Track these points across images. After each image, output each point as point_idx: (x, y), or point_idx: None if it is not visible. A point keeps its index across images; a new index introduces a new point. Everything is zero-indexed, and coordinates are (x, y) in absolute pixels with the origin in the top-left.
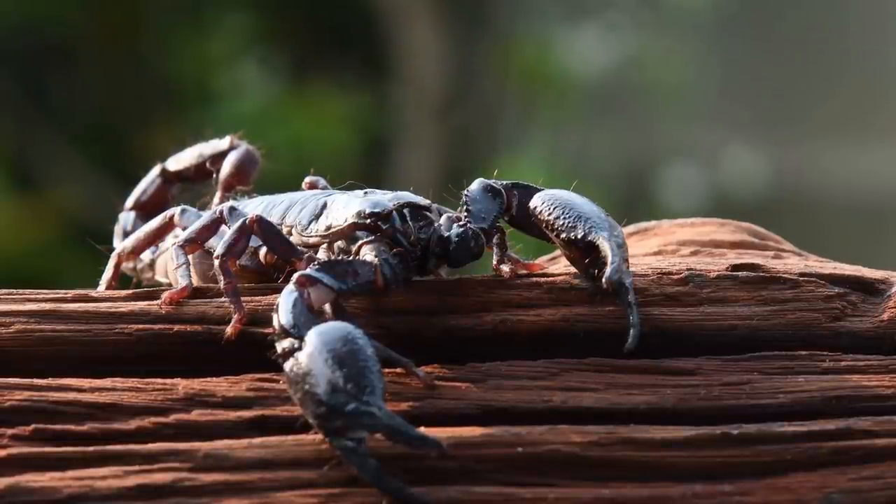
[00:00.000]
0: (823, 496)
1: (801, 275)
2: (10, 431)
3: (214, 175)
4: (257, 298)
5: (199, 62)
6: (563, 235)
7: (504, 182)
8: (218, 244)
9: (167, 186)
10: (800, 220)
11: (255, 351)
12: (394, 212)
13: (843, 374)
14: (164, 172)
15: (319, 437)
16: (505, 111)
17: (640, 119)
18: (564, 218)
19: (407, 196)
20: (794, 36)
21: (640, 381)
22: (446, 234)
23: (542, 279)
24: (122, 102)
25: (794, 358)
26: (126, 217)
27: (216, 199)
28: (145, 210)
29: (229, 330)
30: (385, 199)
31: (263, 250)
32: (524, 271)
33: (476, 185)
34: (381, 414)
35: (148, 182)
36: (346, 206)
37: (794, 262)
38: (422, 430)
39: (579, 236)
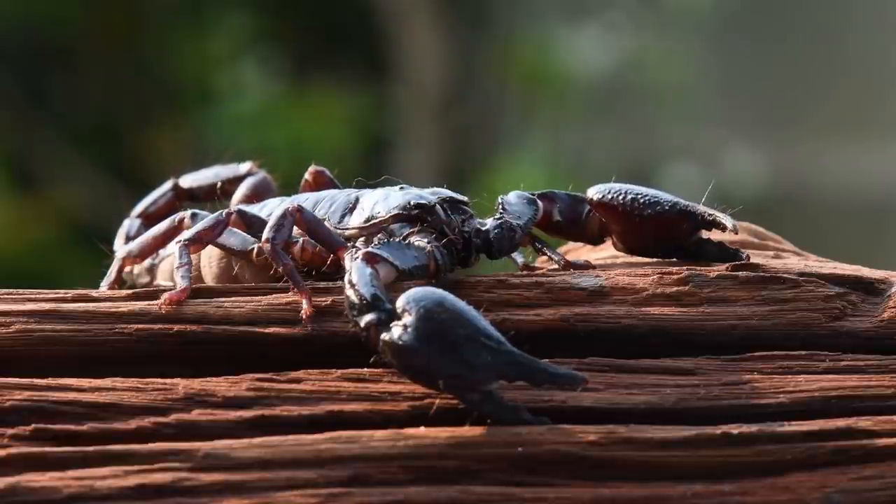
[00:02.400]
0: (823, 496)
1: (801, 275)
2: (10, 431)
3: (218, 194)
4: (257, 298)
5: (199, 62)
6: (650, 210)
7: (535, 192)
8: (236, 241)
9: (177, 201)
10: (800, 220)
11: (255, 351)
12: (437, 205)
13: (843, 374)
14: (176, 187)
15: (319, 436)
16: (505, 111)
17: (640, 119)
18: (643, 197)
19: (446, 191)
20: (794, 36)
21: (640, 381)
22: (485, 227)
23: (542, 279)
24: (122, 102)
25: (794, 358)
26: (131, 224)
27: None
28: (151, 220)
29: (306, 310)
30: (425, 193)
31: (297, 246)
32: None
33: (511, 193)
34: (521, 357)
35: (159, 194)
36: (386, 199)
37: (794, 262)
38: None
39: (669, 207)
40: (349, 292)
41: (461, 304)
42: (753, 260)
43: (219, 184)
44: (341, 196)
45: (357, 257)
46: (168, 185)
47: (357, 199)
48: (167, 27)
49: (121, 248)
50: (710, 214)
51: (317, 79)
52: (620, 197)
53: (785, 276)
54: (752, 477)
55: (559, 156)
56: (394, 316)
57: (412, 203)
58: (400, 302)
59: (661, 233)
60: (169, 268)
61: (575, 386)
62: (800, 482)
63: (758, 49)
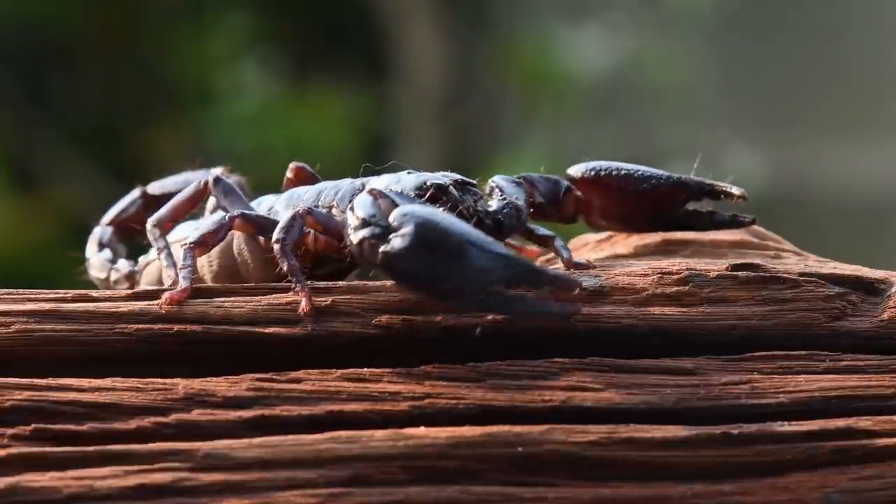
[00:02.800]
0: (823, 496)
1: (801, 275)
2: (10, 431)
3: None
4: (257, 298)
5: (199, 62)
6: (645, 185)
7: (514, 176)
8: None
9: (146, 209)
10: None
11: (255, 351)
12: (451, 186)
13: (843, 374)
14: (145, 195)
15: (319, 436)
16: (505, 111)
17: (640, 119)
18: (637, 172)
19: (455, 174)
20: (794, 36)
21: (640, 381)
22: (492, 208)
23: None
24: (122, 102)
25: (794, 358)
26: (102, 231)
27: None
28: (120, 228)
29: (305, 307)
30: (437, 175)
31: (310, 237)
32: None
33: (496, 177)
34: (521, 259)
35: (129, 202)
36: (399, 182)
37: (794, 262)
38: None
39: (664, 179)
40: (349, 219)
41: (452, 216)
42: (753, 260)
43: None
44: (346, 184)
45: (365, 190)
46: (136, 192)
47: (363, 186)
48: (167, 27)
49: (150, 217)
50: (713, 184)
51: (317, 79)
52: (614, 173)
53: (785, 276)
54: (752, 477)
55: (559, 156)
56: (390, 230)
57: (428, 183)
58: (393, 216)
59: (654, 206)
60: (156, 272)
61: (571, 289)
62: (800, 482)
63: (758, 49)
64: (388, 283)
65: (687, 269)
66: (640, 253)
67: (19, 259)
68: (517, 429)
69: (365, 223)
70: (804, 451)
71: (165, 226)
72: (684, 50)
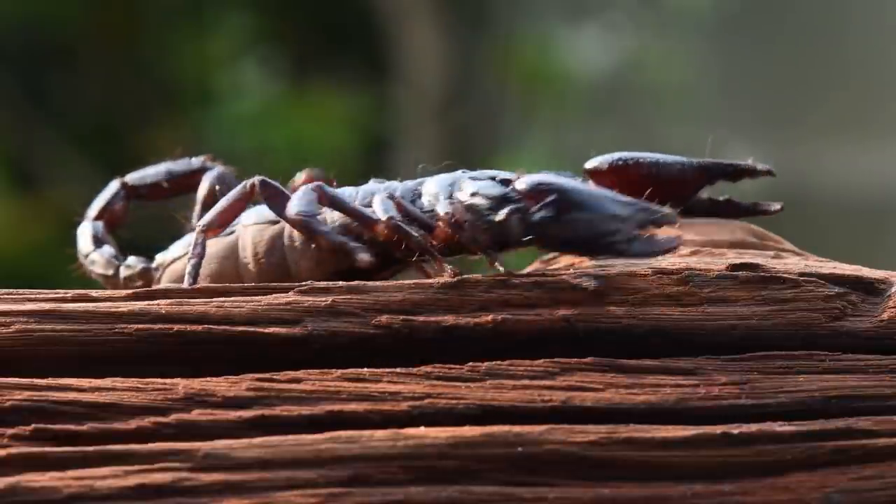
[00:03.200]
0: (823, 496)
1: (801, 275)
2: (10, 431)
3: (168, 189)
4: (257, 298)
5: (199, 62)
6: (672, 170)
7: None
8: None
9: (128, 200)
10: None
11: (255, 351)
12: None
13: (843, 374)
14: (125, 186)
15: (319, 436)
16: (505, 111)
17: (640, 119)
18: (661, 158)
19: (507, 173)
20: (794, 36)
21: (640, 381)
22: None
23: (542, 279)
24: (122, 102)
25: (794, 358)
26: (95, 226)
27: (195, 215)
28: (108, 223)
29: (365, 259)
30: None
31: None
32: None
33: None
34: (645, 203)
35: (111, 195)
36: (474, 179)
37: (794, 262)
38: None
39: (687, 164)
40: (475, 200)
41: (568, 178)
42: (753, 260)
43: (165, 183)
44: (395, 186)
45: (464, 177)
46: (116, 185)
47: (420, 187)
48: (167, 27)
49: (200, 219)
50: (736, 164)
51: (317, 79)
52: (641, 161)
53: (785, 276)
54: (752, 477)
55: (559, 156)
56: (527, 200)
57: (499, 179)
58: (521, 187)
59: (681, 192)
60: (182, 270)
61: (673, 221)
62: (800, 482)
63: (758, 49)
64: (388, 283)
65: (687, 269)
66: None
67: (19, 259)
68: (517, 429)
69: (505, 199)
70: (804, 451)
71: (215, 231)
72: (684, 50)
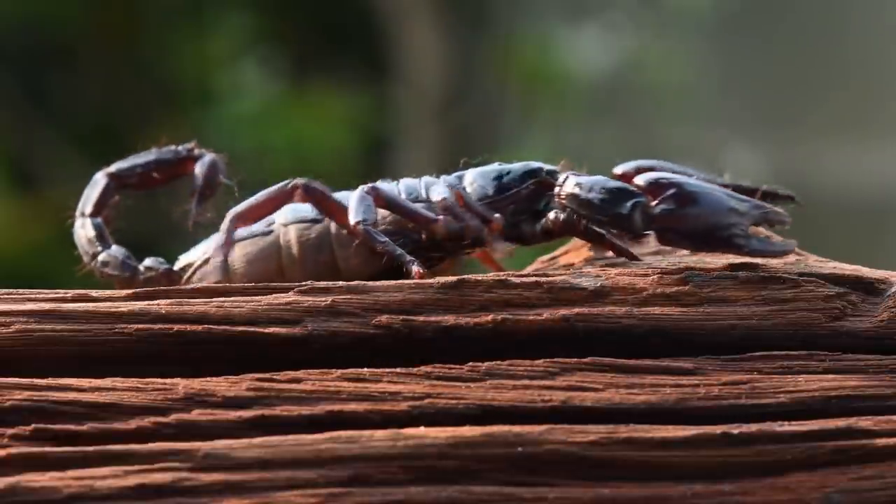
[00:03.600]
0: (823, 496)
1: (801, 275)
2: (10, 431)
3: (157, 178)
4: (257, 298)
5: (199, 62)
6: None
7: None
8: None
9: (118, 192)
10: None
11: (255, 351)
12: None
13: (843, 374)
14: (112, 178)
15: (319, 436)
16: (505, 111)
17: (640, 119)
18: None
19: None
20: (794, 36)
21: (640, 381)
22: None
23: (542, 279)
24: (122, 102)
25: (794, 358)
26: (97, 224)
27: (193, 207)
28: (107, 218)
29: (416, 271)
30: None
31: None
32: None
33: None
34: (758, 201)
35: (102, 189)
36: (512, 171)
37: (793, 262)
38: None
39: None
40: (592, 195)
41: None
42: (753, 260)
43: (155, 172)
44: (431, 180)
45: (571, 174)
46: (104, 179)
47: (462, 177)
48: (167, 27)
49: (231, 210)
50: (757, 189)
51: (317, 79)
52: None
53: (785, 276)
54: (752, 477)
55: (559, 156)
56: (647, 195)
57: (546, 170)
58: (640, 182)
59: None
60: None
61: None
62: (800, 482)
63: (758, 49)
64: (388, 283)
65: (687, 269)
66: (637, 252)
67: (19, 259)
68: (517, 429)
69: (629, 192)
70: (804, 451)
71: (245, 223)
72: (684, 50)
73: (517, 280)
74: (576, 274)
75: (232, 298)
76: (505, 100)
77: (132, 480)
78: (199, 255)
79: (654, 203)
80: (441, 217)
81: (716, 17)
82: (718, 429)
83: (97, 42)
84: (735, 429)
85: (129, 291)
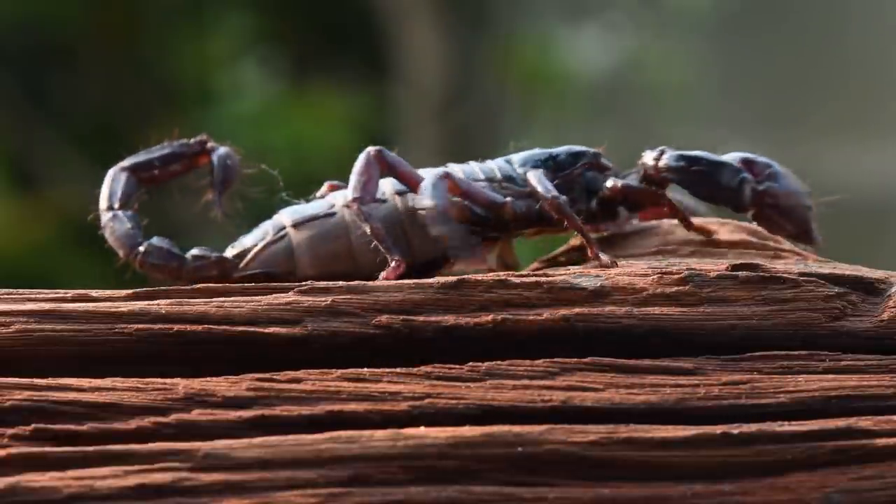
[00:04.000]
0: (823, 496)
1: (801, 275)
2: (10, 431)
3: (177, 170)
4: (257, 298)
5: (199, 62)
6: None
7: None
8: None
9: (139, 186)
10: None
11: (255, 351)
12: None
13: (843, 374)
14: (131, 171)
15: (319, 436)
16: (505, 111)
17: (640, 119)
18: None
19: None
20: (794, 36)
21: (640, 381)
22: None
23: (542, 279)
24: (122, 102)
25: (794, 358)
26: (130, 216)
27: (217, 199)
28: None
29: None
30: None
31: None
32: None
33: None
34: None
35: (125, 184)
36: (560, 153)
37: (793, 262)
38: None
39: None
40: (701, 167)
41: None
42: (753, 260)
43: (174, 165)
44: (488, 167)
45: (666, 148)
46: (123, 174)
47: (510, 161)
48: (167, 27)
49: (349, 191)
50: None
51: (317, 79)
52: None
53: (785, 276)
54: (752, 477)
55: None
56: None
57: (592, 152)
58: (741, 159)
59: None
60: (276, 251)
61: None
62: (800, 482)
63: (758, 49)
64: (388, 283)
65: (687, 269)
66: (639, 253)
67: (19, 259)
68: (517, 429)
69: (735, 169)
70: (804, 451)
71: (367, 201)
72: (684, 50)
73: (517, 280)
74: (576, 274)
75: (232, 298)
76: (505, 100)
77: (132, 480)
78: (255, 241)
79: (759, 179)
80: (508, 199)
81: (716, 17)
82: (718, 429)
83: (97, 42)
84: (735, 429)
85: (129, 291)
